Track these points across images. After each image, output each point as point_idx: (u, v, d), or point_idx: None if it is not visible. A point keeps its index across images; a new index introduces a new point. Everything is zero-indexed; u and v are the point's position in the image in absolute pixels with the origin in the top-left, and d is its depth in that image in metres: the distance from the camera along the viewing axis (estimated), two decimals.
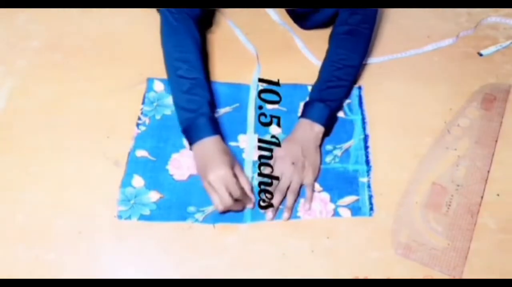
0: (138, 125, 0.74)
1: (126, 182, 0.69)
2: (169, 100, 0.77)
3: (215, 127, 0.68)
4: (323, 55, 0.79)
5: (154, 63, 0.79)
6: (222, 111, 0.76)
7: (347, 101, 0.79)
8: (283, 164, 0.68)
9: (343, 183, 0.70)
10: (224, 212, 0.65)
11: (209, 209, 0.67)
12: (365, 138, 0.74)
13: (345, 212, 0.68)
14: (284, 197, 0.68)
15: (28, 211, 0.66)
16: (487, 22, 0.90)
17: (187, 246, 0.64)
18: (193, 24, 0.74)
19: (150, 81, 0.79)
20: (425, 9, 0.91)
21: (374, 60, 0.84)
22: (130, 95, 0.78)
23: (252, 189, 0.68)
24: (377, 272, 0.63)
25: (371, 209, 0.68)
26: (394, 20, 0.91)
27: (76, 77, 0.80)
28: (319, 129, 0.71)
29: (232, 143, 0.73)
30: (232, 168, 0.65)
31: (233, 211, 0.66)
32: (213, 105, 0.72)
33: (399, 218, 0.67)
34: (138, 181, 0.69)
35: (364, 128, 0.75)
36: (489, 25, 0.89)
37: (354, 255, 0.64)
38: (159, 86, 0.79)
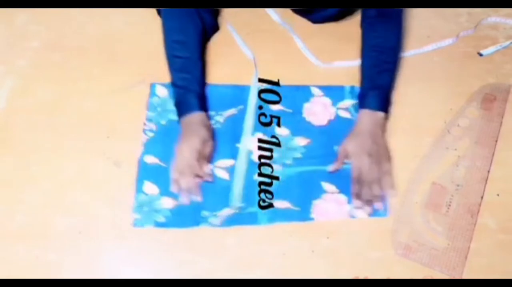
0: (145, 131, 0.73)
1: (138, 189, 0.68)
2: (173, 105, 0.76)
3: (200, 104, 0.72)
4: (323, 55, 0.79)
5: (154, 63, 0.79)
6: (227, 113, 0.76)
7: (352, 101, 0.78)
8: (359, 158, 0.68)
9: None
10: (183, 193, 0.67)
11: (223, 213, 0.67)
12: None
13: (361, 213, 0.67)
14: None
15: (28, 211, 0.66)
16: (487, 22, 0.90)
17: (187, 246, 0.64)
18: (195, 12, 0.75)
19: (152, 86, 0.78)
20: (425, 9, 0.91)
21: None
22: (130, 95, 0.78)
23: (210, 175, 0.69)
24: (377, 272, 0.63)
25: (386, 209, 0.68)
26: None
27: (76, 77, 0.80)
28: (380, 116, 0.71)
29: (239, 145, 0.73)
30: (201, 144, 0.68)
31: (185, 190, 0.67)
32: (202, 83, 0.75)
33: (399, 218, 0.67)
34: (150, 188, 0.68)
35: None
36: (489, 25, 0.89)
37: (354, 255, 0.64)
38: (162, 91, 0.78)
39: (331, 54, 0.83)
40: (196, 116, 0.70)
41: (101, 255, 0.63)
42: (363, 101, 0.72)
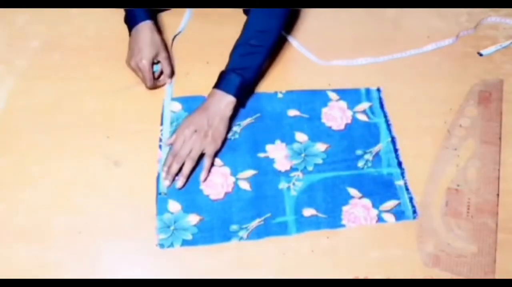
0: (161, 147, 0.72)
1: (162, 209, 0.67)
2: None
3: (146, 13, 0.77)
4: (321, 54, 0.78)
5: None
6: (244, 123, 0.75)
7: (369, 104, 0.78)
8: (186, 130, 0.69)
9: (381, 188, 0.69)
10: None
11: (252, 225, 0.66)
12: (393, 140, 0.74)
13: (389, 217, 0.67)
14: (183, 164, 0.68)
15: (28, 211, 0.66)
16: (487, 22, 0.90)
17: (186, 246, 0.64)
18: None
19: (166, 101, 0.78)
20: (425, 9, 0.91)
21: (374, 60, 0.84)
22: (129, 95, 0.78)
23: (172, 73, 0.78)
24: (377, 272, 0.63)
25: (414, 212, 0.67)
26: (394, 20, 0.91)
27: (75, 77, 0.80)
28: (229, 99, 0.71)
29: (261, 155, 0.72)
30: (155, 56, 0.76)
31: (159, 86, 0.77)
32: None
33: (422, 229, 0.66)
34: (174, 206, 0.67)
35: (389, 130, 0.75)
36: (489, 25, 0.89)
37: (354, 255, 0.64)
38: (176, 106, 0.77)
39: (328, 54, 0.84)
40: (144, 26, 0.75)
41: (101, 255, 0.63)
42: (218, 80, 0.73)
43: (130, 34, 0.77)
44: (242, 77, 0.71)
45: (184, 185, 0.68)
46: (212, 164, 0.70)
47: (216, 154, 0.70)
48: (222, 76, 0.72)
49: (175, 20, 0.87)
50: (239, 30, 0.76)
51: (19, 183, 0.69)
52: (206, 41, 0.85)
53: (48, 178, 0.69)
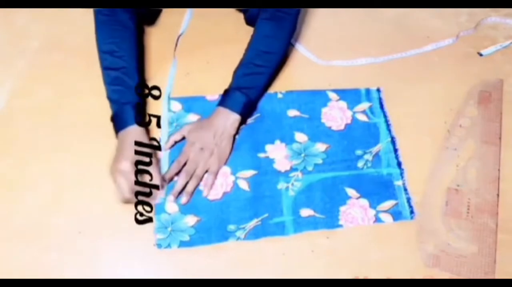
0: (160, 147, 0.71)
1: (160, 209, 0.67)
2: (188, 119, 0.75)
3: (136, 117, 0.68)
4: (321, 54, 0.78)
5: (153, 62, 0.79)
6: None
7: (368, 104, 0.78)
8: (192, 148, 0.69)
9: (379, 188, 0.69)
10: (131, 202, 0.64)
11: (250, 225, 0.66)
12: (392, 141, 0.74)
13: (387, 218, 0.67)
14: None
15: (28, 211, 0.66)
16: (487, 22, 0.90)
17: None
18: (127, 13, 0.74)
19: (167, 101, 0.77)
20: (425, 9, 0.91)
21: (374, 60, 0.84)
22: None
23: (161, 185, 0.66)
24: (377, 272, 0.63)
25: (412, 212, 0.67)
26: (394, 20, 0.91)
27: (76, 77, 0.80)
28: (235, 118, 0.71)
29: (261, 155, 0.72)
30: (137, 163, 0.65)
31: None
32: (138, 93, 0.70)
33: (422, 229, 0.66)
34: (172, 207, 0.67)
35: (389, 131, 0.75)
36: (489, 25, 0.89)
37: (354, 255, 0.64)
38: (176, 106, 0.76)
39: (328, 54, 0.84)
40: (132, 130, 0.67)
41: (101, 255, 0.63)
42: (223, 98, 0.72)
43: (116, 137, 0.69)
44: (247, 96, 0.72)
45: (187, 202, 0.67)
46: (215, 178, 0.69)
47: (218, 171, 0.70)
48: (227, 94, 0.72)
49: (175, 20, 0.87)
50: (239, 30, 0.76)
51: (19, 183, 0.69)
52: (206, 40, 0.85)
53: (48, 178, 0.69)
